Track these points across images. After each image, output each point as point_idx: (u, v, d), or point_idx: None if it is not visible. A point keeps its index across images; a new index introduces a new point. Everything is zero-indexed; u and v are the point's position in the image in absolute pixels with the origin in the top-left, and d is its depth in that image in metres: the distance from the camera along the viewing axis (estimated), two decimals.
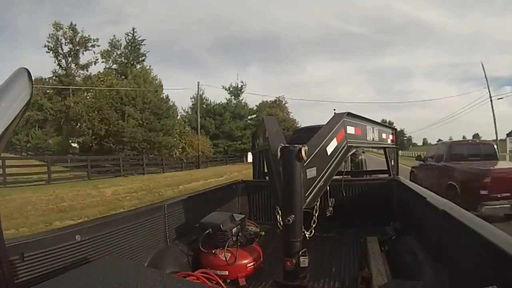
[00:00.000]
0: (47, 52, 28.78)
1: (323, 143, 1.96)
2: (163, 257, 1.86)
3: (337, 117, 2.32)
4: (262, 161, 3.67)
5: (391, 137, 3.50)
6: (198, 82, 31.73)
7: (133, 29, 30.05)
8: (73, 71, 29.84)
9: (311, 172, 1.79)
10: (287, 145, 1.74)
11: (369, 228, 2.51)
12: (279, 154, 1.70)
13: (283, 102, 44.01)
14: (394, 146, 3.62)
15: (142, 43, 30.29)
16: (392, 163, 3.49)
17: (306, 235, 1.98)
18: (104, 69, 28.52)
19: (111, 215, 1.81)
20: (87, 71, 30.44)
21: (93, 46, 29.95)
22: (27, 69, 0.88)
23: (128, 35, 29.59)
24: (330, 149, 2.04)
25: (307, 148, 1.67)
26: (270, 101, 42.26)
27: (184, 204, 2.24)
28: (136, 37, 29.90)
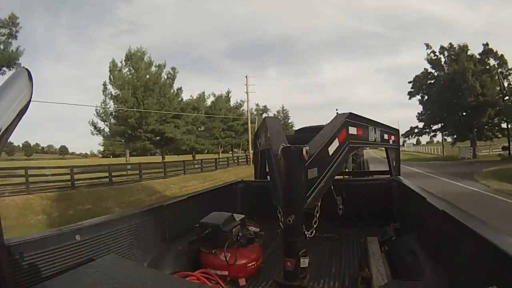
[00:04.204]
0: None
1: (324, 143, 1.96)
2: (163, 257, 1.86)
3: (339, 118, 2.31)
4: (264, 161, 3.67)
5: (393, 137, 3.49)
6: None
7: (283, 106, 55.93)
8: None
9: (313, 173, 1.79)
10: (289, 145, 1.73)
11: (369, 228, 2.51)
12: (280, 154, 1.70)
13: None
14: (396, 146, 3.62)
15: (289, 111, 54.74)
16: (394, 164, 3.49)
17: (307, 235, 1.98)
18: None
19: (111, 215, 1.81)
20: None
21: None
22: (27, 69, 0.88)
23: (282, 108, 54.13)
24: (331, 149, 2.03)
25: (308, 148, 1.67)
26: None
27: (184, 204, 2.24)
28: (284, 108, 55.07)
